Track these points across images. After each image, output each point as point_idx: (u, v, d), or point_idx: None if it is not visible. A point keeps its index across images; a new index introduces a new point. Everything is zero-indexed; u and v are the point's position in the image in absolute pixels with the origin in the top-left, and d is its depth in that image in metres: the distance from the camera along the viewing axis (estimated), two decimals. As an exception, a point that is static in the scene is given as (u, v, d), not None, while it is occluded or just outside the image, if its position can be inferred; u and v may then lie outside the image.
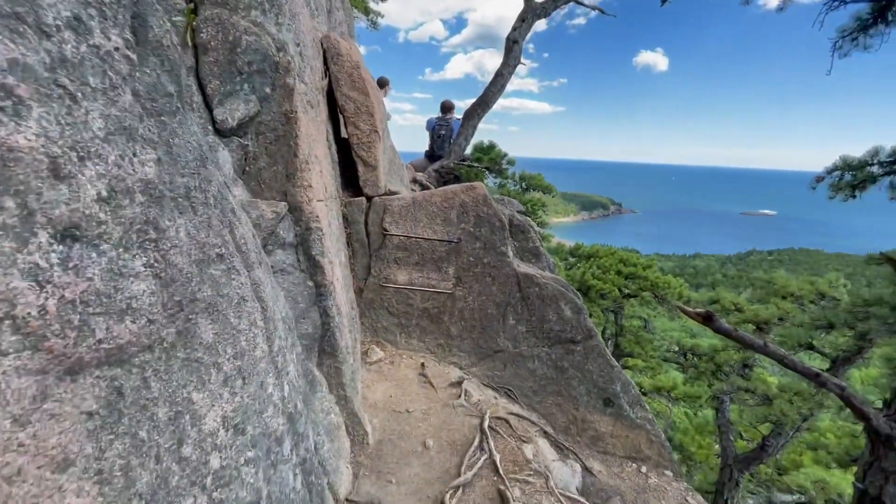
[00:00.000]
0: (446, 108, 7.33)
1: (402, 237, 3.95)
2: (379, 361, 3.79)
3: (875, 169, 3.36)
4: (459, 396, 3.50)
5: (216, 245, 0.99)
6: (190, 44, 2.40)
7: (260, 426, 1.05)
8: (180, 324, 0.81)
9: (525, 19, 5.60)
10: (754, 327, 5.21)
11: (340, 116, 4.13)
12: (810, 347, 4.63)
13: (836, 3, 3.33)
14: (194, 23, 2.38)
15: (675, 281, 8.23)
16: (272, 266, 2.63)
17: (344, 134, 4.33)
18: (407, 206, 3.98)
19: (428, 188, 5.53)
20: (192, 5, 2.40)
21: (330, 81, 4.04)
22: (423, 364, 3.83)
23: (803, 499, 5.33)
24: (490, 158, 5.86)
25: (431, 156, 7.00)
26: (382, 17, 12.05)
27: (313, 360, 2.85)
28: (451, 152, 5.95)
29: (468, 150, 6.19)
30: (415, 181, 5.73)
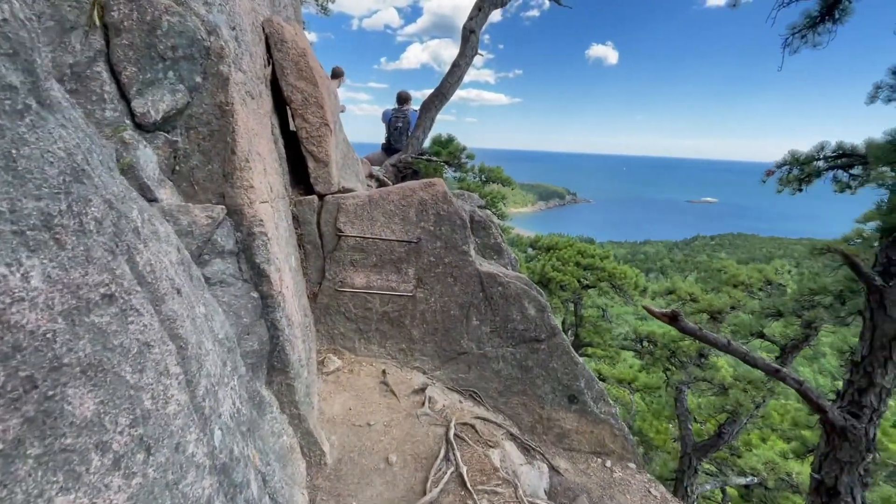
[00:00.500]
0: (403, 99, 7.08)
1: (358, 238, 3.71)
2: (337, 371, 3.57)
3: (821, 164, 3.51)
4: (423, 404, 3.35)
5: (100, 284, 0.76)
6: (98, 24, 2.06)
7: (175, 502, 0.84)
8: (30, 409, 0.59)
9: (482, 8, 5.44)
10: (708, 316, 5.43)
11: (287, 109, 3.81)
12: (761, 336, 4.88)
13: (788, 0, 3.42)
14: (102, -1, 2.04)
15: (630, 271, 8.45)
16: (209, 278, 2.35)
17: (292, 127, 4.01)
18: (363, 205, 3.75)
19: (385, 184, 5.29)
20: (99, -22, 2.06)
21: (274, 70, 3.71)
22: (384, 371, 3.64)
23: (756, 480, 5.67)
24: (449, 152, 5.70)
25: (388, 149, 6.75)
26: (333, 2, 11.49)
27: (261, 378, 2.60)
28: (408, 146, 5.72)
29: (426, 144, 5.99)
30: (371, 176, 5.47)
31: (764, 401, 4.72)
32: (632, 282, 8.31)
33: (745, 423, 5.28)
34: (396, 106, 6.91)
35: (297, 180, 4.10)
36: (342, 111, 8.22)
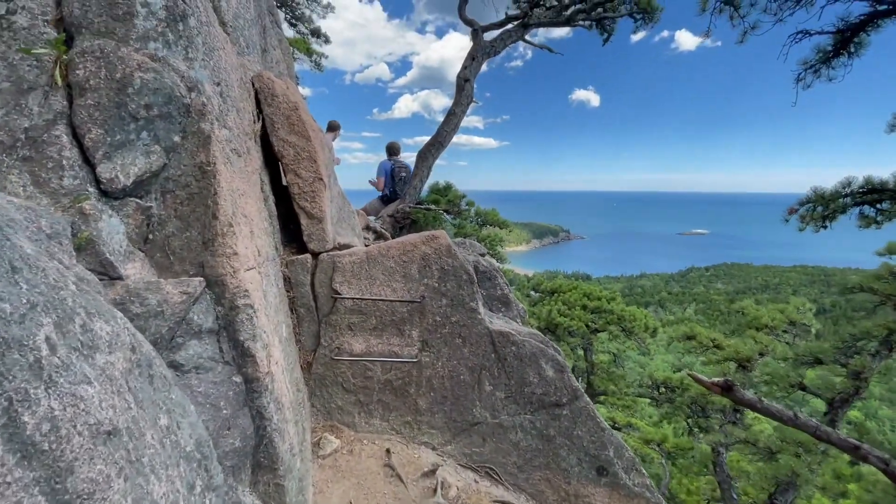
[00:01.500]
0: (397, 149, 7.00)
1: (356, 299, 3.39)
2: (334, 453, 3.14)
3: (847, 200, 3.32)
4: (435, 491, 2.90)
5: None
6: (61, 83, 1.84)
7: None
8: None
9: (475, 58, 5.45)
10: (736, 365, 5.05)
11: (280, 164, 3.60)
12: (802, 388, 4.49)
13: (800, 36, 3.36)
14: (66, 56, 1.83)
15: (639, 312, 8.11)
16: (182, 364, 2.00)
17: (285, 182, 3.79)
18: (360, 263, 3.45)
19: (383, 236, 5.04)
20: (63, 35, 1.85)
21: (264, 125, 3.53)
22: (388, 450, 3.21)
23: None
24: (448, 200, 5.52)
25: (388, 199, 6.56)
26: (326, 57, 11.80)
27: (244, 480, 2.19)
28: (405, 195, 5.54)
29: (424, 192, 5.82)
30: (368, 228, 5.23)
31: (819, 465, 4.28)
32: (641, 324, 7.95)
33: (800, 490, 4.78)
34: (388, 157, 6.82)
35: (289, 238, 3.83)
36: (337, 164, 8.14)
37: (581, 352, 8.34)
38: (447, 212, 5.37)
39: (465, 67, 5.44)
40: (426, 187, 5.83)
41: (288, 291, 3.47)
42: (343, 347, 3.41)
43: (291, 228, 3.76)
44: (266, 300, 2.68)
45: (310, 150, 3.54)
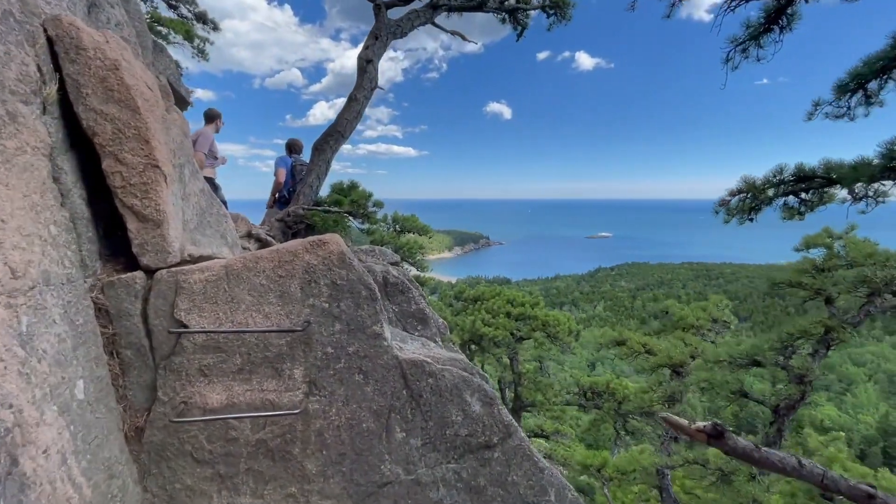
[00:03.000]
0: (299, 148, 6.01)
1: (210, 332, 2.43)
2: (174, 563, 2.13)
3: (771, 191, 3.16)
4: None
5: None
6: None
7: None
8: None
9: (378, 37, 4.70)
10: (671, 371, 4.87)
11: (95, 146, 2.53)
12: (744, 395, 4.36)
13: (736, 4, 3.14)
14: None
15: (562, 317, 7.88)
16: None
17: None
18: (216, 281, 2.50)
19: (269, 245, 4.05)
20: None
21: (65, 89, 2.46)
22: (260, 543, 2.28)
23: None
24: (352, 201, 4.67)
25: (287, 201, 5.54)
26: (212, 44, 10.28)
27: None
28: (298, 195, 4.59)
29: (323, 192, 4.93)
30: (250, 236, 4.20)
31: (775, 484, 4.13)
32: (565, 328, 7.71)
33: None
34: (292, 154, 5.82)
35: (117, 249, 2.74)
36: (223, 163, 6.84)
37: (507, 361, 7.91)
38: (351, 214, 4.52)
39: (366, 47, 4.66)
40: (326, 186, 4.95)
41: (105, 328, 2.39)
42: (192, 401, 2.42)
43: (118, 237, 2.68)
44: (29, 348, 1.65)
45: (138, 125, 2.52)
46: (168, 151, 2.83)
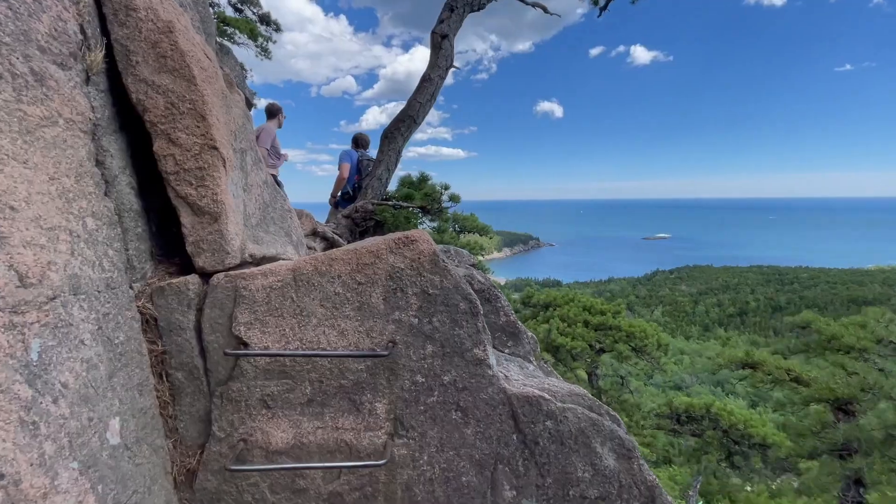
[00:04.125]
0: (366, 142, 5.58)
1: (273, 355, 1.93)
2: None
3: None
4: None
5: None
6: None
7: None
8: None
9: (454, 9, 4.14)
10: (833, 409, 3.87)
11: (146, 124, 2.12)
12: None
13: None
14: None
15: (650, 327, 6.92)
16: None
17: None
18: (282, 288, 1.99)
19: (336, 244, 3.59)
20: None
21: (112, 57, 2.06)
22: None
23: None
24: (425, 194, 4.13)
25: (352, 198, 5.13)
26: (275, 42, 10.25)
27: None
28: (366, 189, 4.12)
29: (391, 186, 4.44)
30: (315, 234, 3.76)
31: None
32: (653, 341, 6.75)
33: None
34: (358, 150, 5.40)
35: (173, 248, 2.34)
36: (285, 160, 6.59)
37: (584, 376, 7.07)
38: (424, 210, 3.98)
39: (441, 21, 4.11)
40: (394, 179, 4.45)
41: (153, 343, 1.96)
42: (253, 440, 1.92)
43: (177, 233, 2.25)
44: (41, 384, 1.18)
45: (193, 98, 2.07)
46: (228, 133, 2.39)
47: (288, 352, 1.87)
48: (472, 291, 2.08)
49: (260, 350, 1.90)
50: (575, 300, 7.57)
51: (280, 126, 6.18)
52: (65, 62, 1.75)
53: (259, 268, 2.09)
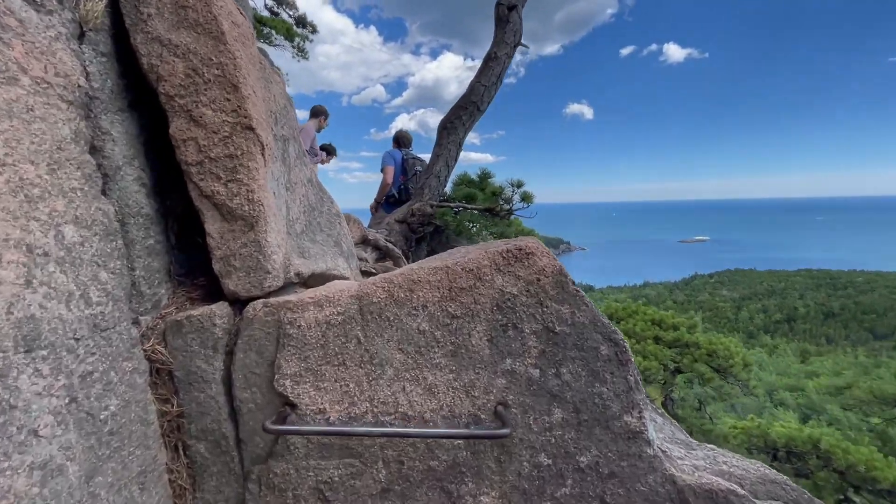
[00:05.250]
0: (409, 141, 5.02)
1: (328, 433, 1.31)
2: None
3: None
4: None
5: None
6: None
7: None
8: None
9: (522, -24, 3.52)
10: None
11: (160, 97, 1.58)
12: None
13: None
14: None
15: (732, 344, 6.01)
16: None
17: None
18: (344, 324, 1.38)
19: (391, 254, 2.99)
20: None
21: (120, 14, 1.53)
22: None
23: None
24: (492, 193, 3.48)
25: (398, 201, 4.57)
26: (311, 41, 9.92)
27: None
28: (421, 188, 3.52)
29: (447, 186, 3.82)
30: (366, 242, 3.18)
31: None
32: (739, 360, 5.84)
33: None
34: (402, 149, 4.85)
35: (196, 266, 1.78)
36: (325, 163, 6.10)
37: (659, 400, 6.23)
38: (491, 212, 3.34)
39: (506, -9, 3.52)
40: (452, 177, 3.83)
41: (165, 402, 1.39)
42: (304, 548, 1.31)
43: (202, 246, 1.69)
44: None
45: (223, 62, 1.51)
46: (267, 113, 1.82)
47: (355, 428, 1.25)
48: (615, 330, 1.41)
49: (312, 421, 1.30)
50: (639, 312, 6.73)
51: (320, 129, 5.70)
52: (42, 1, 1.22)
53: (310, 293, 1.48)
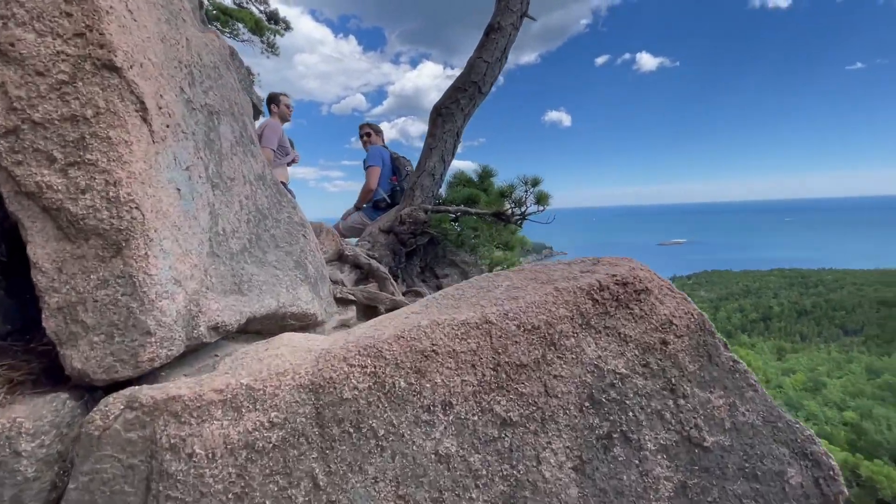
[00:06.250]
0: (376, 132, 4.31)
1: None
2: None
3: None
4: None
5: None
6: None
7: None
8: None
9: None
10: None
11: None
12: None
13: None
14: None
15: (753, 358, 5.47)
16: None
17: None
18: (285, 446, 0.65)
19: (376, 274, 2.28)
20: None
21: None
22: None
23: None
24: (500, 194, 2.79)
25: (388, 205, 3.81)
26: (282, 35, 9.15)
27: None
28: (412, 189, 2.81)
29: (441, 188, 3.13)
30: (343, 258, 2.46)
31: None
32: (761, 377, 5.30)
33: None
34: (381, 145, 4.12)
35: (34, 323, 1.01)
36: (296, 161, 5.31)
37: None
38: (500, 217, 2.65)
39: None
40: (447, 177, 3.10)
41: None
42: None
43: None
44: None
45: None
46: (169, 60, 1.11)
47: None
48: (811, 432, 0.74)
49: None
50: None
51: (286, 120, 4.92)
52: None
53: (219, 381, 0.77)
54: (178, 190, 1.05)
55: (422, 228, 2.63)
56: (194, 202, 1.14)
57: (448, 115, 2.91)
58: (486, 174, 3.19)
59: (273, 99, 4.56)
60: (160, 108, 0.99)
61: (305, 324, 1.70)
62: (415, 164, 3.27)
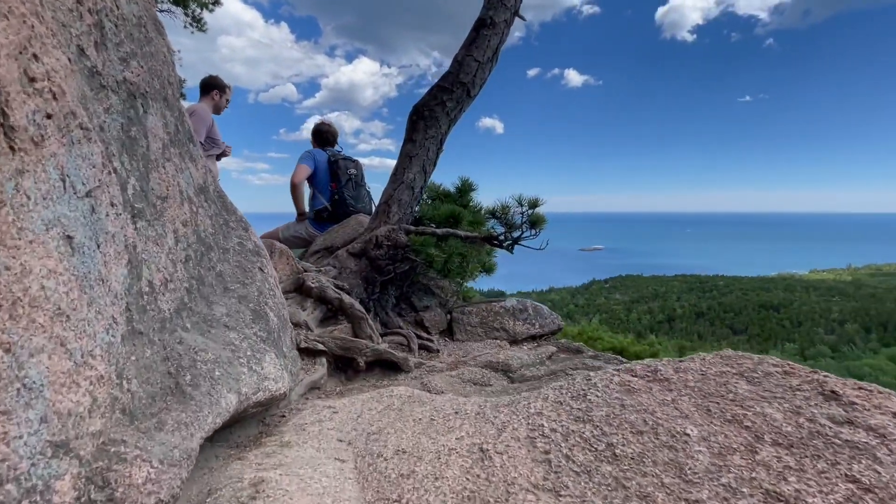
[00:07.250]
0: (334, 136, 3.84)
1: None
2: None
3: None
4: None
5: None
6: None
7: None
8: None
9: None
10: None
11: None
12: None
13: None
14: None
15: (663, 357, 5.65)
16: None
17: None
18: None
19: (348, 312, 1.81)
20: None
21: None
22: None
23: None
24: (490, 214, 2.37)
25: (332, 215, 3.43)
26: (212, 11, 8.08)
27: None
28: (388, 205, 2.33)
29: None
30: (303, 290, 1.94)
31: None
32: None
33: None
34: (325, 147, 3.69)
35: None
36: (225, 154, 4.52)
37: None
38: (492, 243, 2.24)
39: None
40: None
41: None
42: None
43: None
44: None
45: None
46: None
47: None
48: None
49: None
50: (602, 338, 6.15)
51: (219, 111, 4.18)
52: None
53: None
54: (69, 239, 0.55)
55: (402, 253, 2.18)
56: (100, 253, 0.63)
57: (431, 119, 2.47)
58: (465, 188, 2.78)
59: (216, 85, 3.85)
60: (32, 80, 0.49)
61: (269, 405, 1.19)
62: (384, 174, 2.80)
